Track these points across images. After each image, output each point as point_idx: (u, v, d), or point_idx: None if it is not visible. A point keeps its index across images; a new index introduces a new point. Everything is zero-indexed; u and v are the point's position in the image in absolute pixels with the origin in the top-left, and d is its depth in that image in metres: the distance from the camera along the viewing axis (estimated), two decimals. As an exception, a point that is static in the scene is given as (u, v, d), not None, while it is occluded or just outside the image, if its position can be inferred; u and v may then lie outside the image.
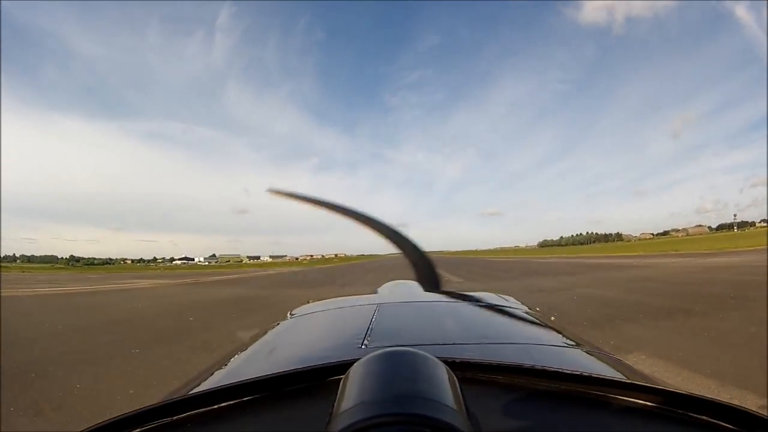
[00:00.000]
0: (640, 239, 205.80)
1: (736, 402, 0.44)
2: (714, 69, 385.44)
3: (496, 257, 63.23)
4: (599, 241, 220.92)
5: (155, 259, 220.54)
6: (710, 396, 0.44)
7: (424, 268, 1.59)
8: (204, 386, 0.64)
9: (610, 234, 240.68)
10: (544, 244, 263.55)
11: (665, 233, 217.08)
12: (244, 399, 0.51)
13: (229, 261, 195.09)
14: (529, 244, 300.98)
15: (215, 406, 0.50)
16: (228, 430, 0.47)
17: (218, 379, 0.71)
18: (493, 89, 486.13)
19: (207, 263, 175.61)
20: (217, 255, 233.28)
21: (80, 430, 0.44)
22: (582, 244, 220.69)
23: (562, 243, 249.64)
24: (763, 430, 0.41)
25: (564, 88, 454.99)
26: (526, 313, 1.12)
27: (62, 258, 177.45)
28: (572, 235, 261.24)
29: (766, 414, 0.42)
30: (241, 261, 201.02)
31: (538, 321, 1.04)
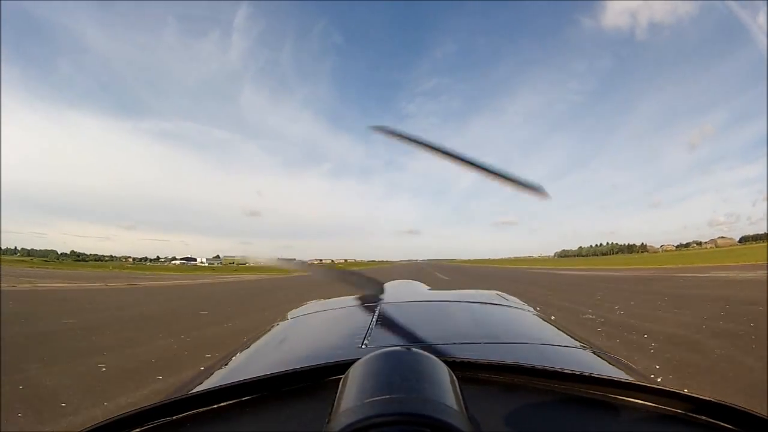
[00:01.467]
0: (665, 250, 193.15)
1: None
2: (731, 82, 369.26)
3: (531, 268, 53.21)
4: (622, 252, 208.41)
5: (158, 258, 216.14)
6: (710, 396, 0.44)
7: None
8: (204, 386, 0.64)
9: (634, 245, 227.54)
10: (564, 254, 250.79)
11: (687, 245, 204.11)
12: (244, 399, 0.50)
13: (233, 263, 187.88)
14: (543, 254, 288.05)
15: (215, 406, 0.49)
16: (228, 429, 0.46)
17: (218, 378, 0.70)
18: (509, 98, 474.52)
19: (209, 264, 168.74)
20: (221, 256, 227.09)
21: (80, 430, 0.43)
22: (604, 254, 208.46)
23: (582, 254, 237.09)
24: (762, 431, 0.41)
25: (580, 98, 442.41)
26: (527, 312, 1.11)
27: (62, 253, 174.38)
28: (592, 246, 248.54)
29: (765, 414, 0.42)
30: (246, 264, 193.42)
31: (538, 320, 1.03)
